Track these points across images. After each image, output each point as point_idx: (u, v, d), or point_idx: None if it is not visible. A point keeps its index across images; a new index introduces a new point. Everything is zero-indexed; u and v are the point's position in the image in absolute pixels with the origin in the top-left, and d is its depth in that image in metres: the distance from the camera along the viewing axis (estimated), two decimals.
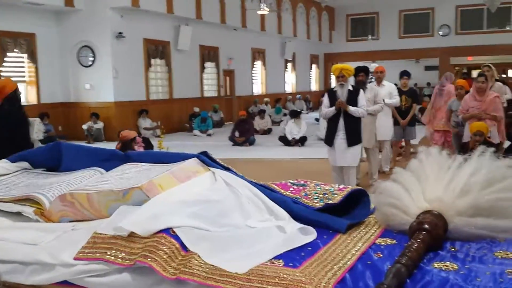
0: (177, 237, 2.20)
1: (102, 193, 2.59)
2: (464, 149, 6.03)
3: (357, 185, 6.84)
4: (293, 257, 2.12)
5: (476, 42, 23.59)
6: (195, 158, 2.86)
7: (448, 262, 2.05)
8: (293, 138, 12.14)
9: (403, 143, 9.47)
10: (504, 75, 25.66)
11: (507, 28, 23.72)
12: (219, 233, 2.28)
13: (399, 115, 8.46)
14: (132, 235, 2.25)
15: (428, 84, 26.49)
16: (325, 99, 6.38)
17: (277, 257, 2.12)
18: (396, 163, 8.61)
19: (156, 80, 15.78)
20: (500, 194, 2.31)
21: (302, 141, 12.16)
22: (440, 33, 24.82)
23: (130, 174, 2.74)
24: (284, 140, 12.26)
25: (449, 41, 24.42)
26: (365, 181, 7.51)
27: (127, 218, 2.29)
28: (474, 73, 24.08)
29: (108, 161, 3.08)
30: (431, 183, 2.42)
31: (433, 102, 8.35)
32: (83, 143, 9.25)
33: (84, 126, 13.79)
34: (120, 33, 13.75)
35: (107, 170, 2.97)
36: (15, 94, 4.97)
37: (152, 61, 15.37)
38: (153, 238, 2.19)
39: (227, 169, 2.86)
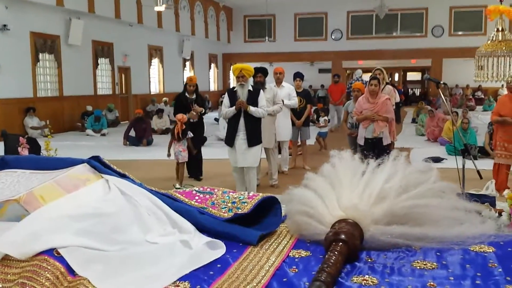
0: (62, 259, 1.86)
1: None
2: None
3: (257, 185, 6.75)
4: (201, 277, 1.88)
5: (366, 47, 24.74)
6: (85, 164, 2.49)
7: (367, 276, 1.92)
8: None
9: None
10: (390, 79, 27.20)
11: (394, 34, 25.15)
12: (113, 253, 1.96)
13: (294, 115, 8.52)
14: (7, 258, 1.88)
15: (322, 86, 27.37)
16: (225, 99, 6.21)
17: (183, 279, 1.86)
18: (296, 162, 8.67)
19: (45, 76, 14.72)
20: (415, 201, 2.23)
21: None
22: (333, 37, 25.73)
23: (7, 183, 2.32)
24: None
25: (341, 45, 25.38)
26: (265, 181, 7.44)
27: (1, 237, 1.91)
28: (365, 77, 25.23)
29: None
30: (345, 190, 2.29)
31: None
32: None
33: None
34: (4, 25, 12.68)
35: None
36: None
37: (41, 55, 14.30)
38: (32, 261, 1.83)
39: (123, 176, 2.52)
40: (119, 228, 2.11)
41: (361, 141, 6.66)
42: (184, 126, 7.06)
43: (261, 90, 6.26)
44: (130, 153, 10.45)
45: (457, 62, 23.41)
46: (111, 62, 17.38)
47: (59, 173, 2.36)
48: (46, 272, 1.78)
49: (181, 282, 1.84)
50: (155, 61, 20.46)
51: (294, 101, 8.02)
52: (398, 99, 10.25)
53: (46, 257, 1.85)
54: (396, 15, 24.41)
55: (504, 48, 3.31)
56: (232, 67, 6.32)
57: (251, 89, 6.06)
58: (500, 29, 3.43)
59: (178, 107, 7.71)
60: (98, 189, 2.34)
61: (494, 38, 3.38)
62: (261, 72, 7.04)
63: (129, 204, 2.27)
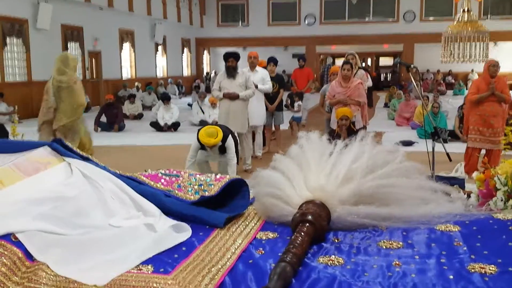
0: (20, 244, 1.80)
1: None
2: (332, 134, 6.14)
3: None
4: (165, 260, 1.84)
5: (339, 32, 24.82)
6: (47, 147, 2.41)
7: (333, 256, 1.91)
8: (165, 124, 11.72)
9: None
10: (364, 64, 27.38)
11: (366, 19, 25.26)
12: (74, 237, 1.90)
13: (267, 100, 8.48)
14: None
15: None
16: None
17: (146, 262, 1.82)
18: (269, 147, 8.65)
19: (13, 61, 14.37)
20: (381, 181, 2.23)
21: (175, 126, 11.77)
22: (306, 22, 25.72)
23: None
24: (156, 126, 11.78)
25: (314, 30, 25.41)
26: (239, 166, 7.42)
27: None
28: (337, 62, 25.35)
29: None
30: (313, 171, 2.27)
31: None
32: None
33: None
34: None
35: None
36: None
37: (8, 40, 13.95)
38: None
39: (85, 159, 2.45)
40: (81, 212, 2.05)
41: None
42: None
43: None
44: (101, 139, 10.27)
45: (428, 47, 23.64)
46: (81, 47, 17.04)
47: (19, 156, 2.28)
48: (3, 258, 1.72)
49: (144, 265, 1.80)
50: (127, 45, 20.13)
51: (269, 86, 7.98)
52: (370, 84, 10.29)
53: (2, 242, 1.79)
54: (369, 0, 24.50)
55: (470, 28, 3.33)
56: (200, 139, 5.69)
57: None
58: (466, 9, 3.44)
59: None
60: (60, 173, 2.27)
61: (460, 19, 3.39)
62: (233, 57, 6.97)
63: (92, 188, 2.21)
